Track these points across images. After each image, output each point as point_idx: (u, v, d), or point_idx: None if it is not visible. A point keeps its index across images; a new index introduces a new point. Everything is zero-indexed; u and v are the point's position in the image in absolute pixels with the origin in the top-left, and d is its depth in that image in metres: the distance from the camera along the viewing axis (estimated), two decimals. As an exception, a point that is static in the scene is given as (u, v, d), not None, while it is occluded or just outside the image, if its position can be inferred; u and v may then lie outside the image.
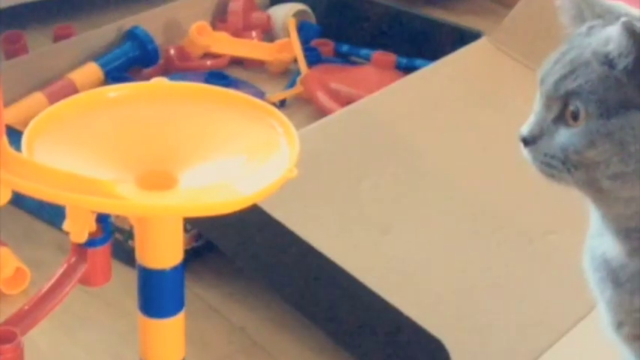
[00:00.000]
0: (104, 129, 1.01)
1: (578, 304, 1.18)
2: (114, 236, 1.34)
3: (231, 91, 1.05)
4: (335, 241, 1.37)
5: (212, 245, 1.48)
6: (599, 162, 0.87)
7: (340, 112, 1.66)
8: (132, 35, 1.90)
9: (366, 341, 1.34)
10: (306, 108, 1.85)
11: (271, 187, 0.93)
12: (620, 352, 1.00)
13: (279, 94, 1.87)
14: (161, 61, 1.92)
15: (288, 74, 1.96)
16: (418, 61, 1.90)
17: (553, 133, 0.89)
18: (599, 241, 0.96)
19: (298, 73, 1.92)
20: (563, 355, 1.30)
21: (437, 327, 1.26)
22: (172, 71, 1.90)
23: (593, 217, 0.96)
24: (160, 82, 1.05)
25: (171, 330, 1.00)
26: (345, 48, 2.02)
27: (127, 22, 1.93)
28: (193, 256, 1.47)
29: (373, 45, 1.99)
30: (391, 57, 1.94)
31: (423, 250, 1.42)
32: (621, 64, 0.85)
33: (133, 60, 1.90)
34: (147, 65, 1.91)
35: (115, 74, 1.84)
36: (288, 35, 2.00)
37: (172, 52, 1.93)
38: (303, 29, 2.02)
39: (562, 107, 0.89)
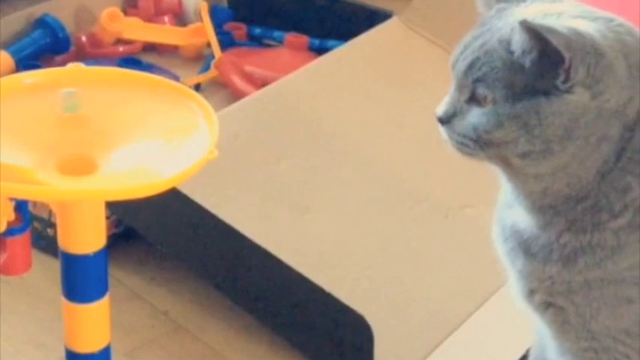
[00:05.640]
0: (22, 116, 1.00)
1: (494, 274, 1.21)
2: (32, 225, 1.33)
3: (149, 75, 1.05)
4: (255, 222, 1.38)
5: (132, 231, 1.48)
6: (508, 141, 0.91)
7: (255, 95, 1.67)
8: (42, 23, 1.88)
9: (290, 320, 1.36)
10: (221, 92, 1.85)
11: (192, 169, 0.94)
12: (532, 321, 1.03)
13: (193, 79, 1.87)
14: (73, 49, 1.91)
15: (201, 58, 1.96)
16: (330, 42, 1.91)
17: (465, 113, 0.93)
18: (508, 212, 0.99)
19: (212, 57, 1.92)
20: (482, 325, 1.33)
21: (359, 303, 1.29)
22: (84, 58, 1.88)
23: (503, 190, 0.99)
24: (76, 67, 1.04)
25: (96, 314, 1.00)
26: (257, 31, 2.03)
27: (37, 9, 1.91)
28: (114, 242, 1.46)
29: (285, 27, 2.00)
30: (304, 39, 1.95)
31: (342, 229, 1.43)
32: (526, 58, 0.89)
33: (44, 48, 1.88)
34: (58, 53, 1.89)
35: (26, 62, 1.82)
36: (200, 20, 1.99)
37: (84, 39, 1.92)
38: (215, 13, 2.02)
39: (472, 90, 0.93)
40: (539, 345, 1.07)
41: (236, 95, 1.80)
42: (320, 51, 1.89)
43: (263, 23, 2.03)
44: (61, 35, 1.88)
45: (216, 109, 1.03)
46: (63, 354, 1.03)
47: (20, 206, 1.02)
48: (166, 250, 1.45)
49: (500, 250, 1.01)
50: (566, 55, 0.87)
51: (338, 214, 1.46)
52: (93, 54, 1.91)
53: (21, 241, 1.04)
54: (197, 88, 1.85)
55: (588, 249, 0.93)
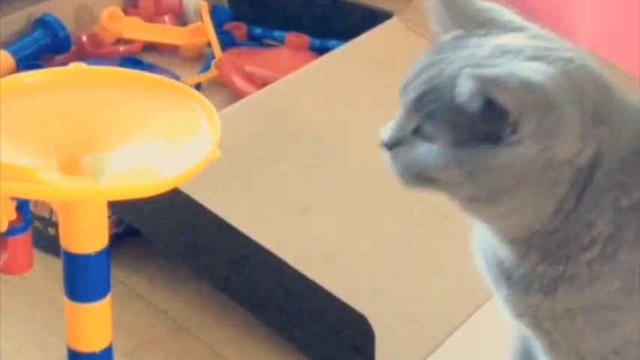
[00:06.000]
0: (24, 116, 1.00)
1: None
2: (33, 224, 1.33)
3: (150, 75, 1.06)
4: (256, 222, 1.38)
5: (133, 231, 1.48)
6: (451, 183, 0.88)
7: (256, 95, 1.67)
8: (43, 22, 1.88)
9: (291, 320, 1.36)
10: (221, 91, 1.85)
11: (195, 169, 0.94)
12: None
13: (194, 78, 1.86)
14: (73, 48, 1.91)
15: (202, 58, 1.96)
16: (331, 42, 1.91)
17: (411, 144, 0.90)
18: (487, 243, 0.97)
19: (212, 57, 1.92)
20: (482, 325, 1.33)
21: (360, 303, 1.29)
22: (85, 58, 1.87)
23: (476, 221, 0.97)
24: (77, 66, 1.05)
25: (98, 314, 1.01)
26: (258, 31, 2.03)
27: (38, 9, 1.91)
28: (115, 242, 1.46)
29: (286, 27, 2.00)
30: (304, 39, 1.95)
31: (343, 229, 1.43)
32: (472, 105, 0.85)
33: (45, 47, 1.88)
34: (59, 52, 1.89)
35: (26, 62, 1.82)
36: (200, 19, 1.99)
37: (85, 38, 1.92)
38: (215, 13, 2.02)
39: (419, 124, 0.89)
40: (521, 338, 1.07)
41: (236, 95, 1.79)
42: (321, 51, 1.89)
43: (263, 23, 2.03)
44: (61, 35, 1.88)
45: (217, 108, 1.03)
46: (64, 354, 1.03)
47: (21, 206, 1.02)
48: (167, 249, 1.45)
49: (485, 276, 1.00)
50: (513, 109, 0.83)
51: (338, 214, 1.46)
52: (93, 54, 1.91)
53: (22, 241, 1.04)
54: (197, 87, 1.85)
55: (565, 279, 0.92)
